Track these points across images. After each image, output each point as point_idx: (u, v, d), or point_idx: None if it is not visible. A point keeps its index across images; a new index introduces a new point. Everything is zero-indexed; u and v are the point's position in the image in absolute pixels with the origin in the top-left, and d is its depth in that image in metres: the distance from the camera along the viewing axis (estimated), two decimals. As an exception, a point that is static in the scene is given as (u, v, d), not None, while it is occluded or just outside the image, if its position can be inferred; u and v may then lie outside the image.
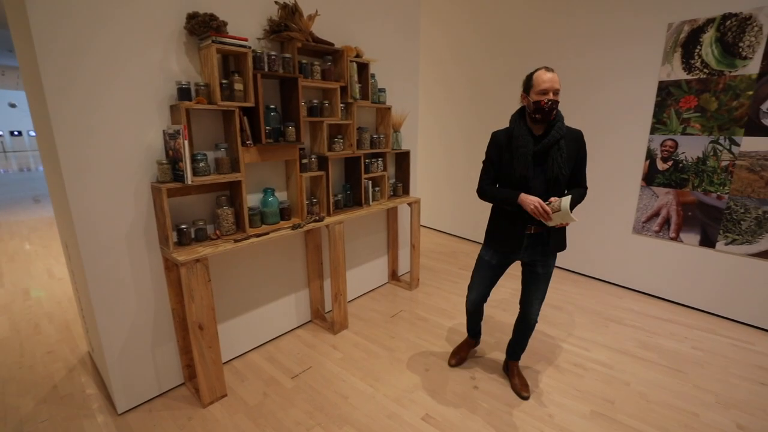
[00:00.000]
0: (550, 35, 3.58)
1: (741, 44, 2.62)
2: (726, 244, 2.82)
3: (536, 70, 1.68)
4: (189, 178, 1.77)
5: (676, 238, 3.06)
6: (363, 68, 2.67)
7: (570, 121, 3.54)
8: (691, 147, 2.90)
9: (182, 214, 1.99)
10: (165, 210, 1.76)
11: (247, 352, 2.48)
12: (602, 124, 3.35)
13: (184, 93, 1.82)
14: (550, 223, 1.68)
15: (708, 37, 2.74)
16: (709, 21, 2.72)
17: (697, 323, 2.84)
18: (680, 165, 2.97)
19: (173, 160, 1.81)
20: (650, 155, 3.11)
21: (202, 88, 1.87)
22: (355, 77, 2.60)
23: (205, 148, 2.01)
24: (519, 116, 1.78)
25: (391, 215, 3.39)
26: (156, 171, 1.84)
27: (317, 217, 2.43)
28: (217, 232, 2.05)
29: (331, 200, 2.59)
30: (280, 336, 2.66)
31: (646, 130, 3.11)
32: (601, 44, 3.26)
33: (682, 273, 3.07)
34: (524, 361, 2.39)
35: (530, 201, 1.68)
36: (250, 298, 2.43)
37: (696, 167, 2.90)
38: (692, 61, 2.82)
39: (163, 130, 1.85)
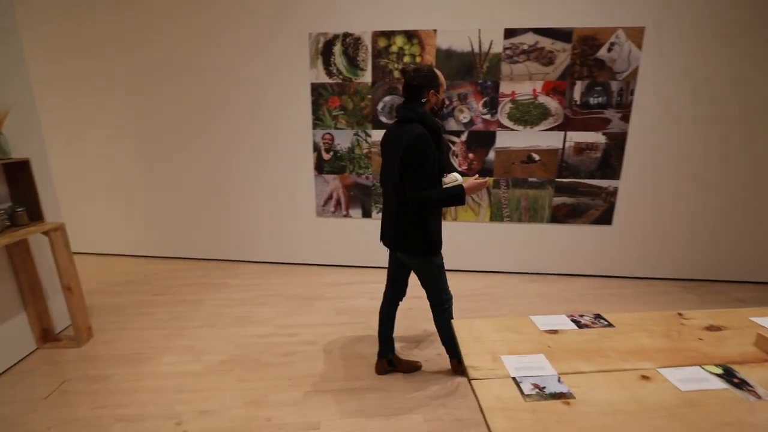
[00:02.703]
0: (208, 42, 3.40)
1: (358, 58, 3.35)
2: (378, 213, 3.67)
3: (433, 68, 1.82)
4: None
5: (347, 215, 3.71)
6: None
7: (242, 120, 3.56)
8: (343, 139, 3.53)
9: None
10: None
11: None
12: (275, 121, 3.55)
13: None
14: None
15: (337, 49, 3.34)
16: (336, 36, 3.32)
17: (372, 278, 3.59)
18: (338, 154, 3.57)
19: None
20: (317, 148, 3.58)
21: None
22: None
23: None
24: (426, 115, 1.80)
25: (17, 254, 2.33)
26: None
27: None
28: None
29: None
30: None
31: (309, 126, 3.53)
32: (261, 50, 3.39)
33: (361, 241, 3.77)
34: (235, 373, 2.25)
35: (476, 185, 1.82)
36: None
37: (349, 155, 3.56)
38: (330, 68, 3.39)
39: None
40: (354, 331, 2.72)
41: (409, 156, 1.74)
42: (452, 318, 2.10)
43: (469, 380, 1.11)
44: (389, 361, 2.26)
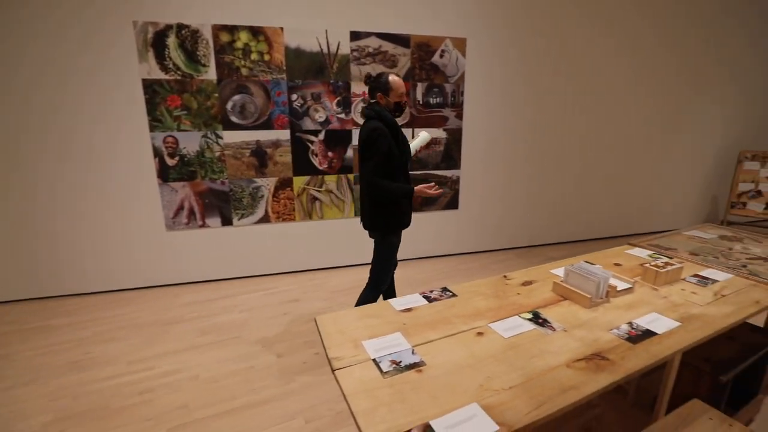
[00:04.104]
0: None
1: (198, 53, 3.06)
2: (239, 219, 3.44)
3: (389, 75, 2.08)
4: None
5: (204, 225, 3.38)
6: None
7: (62, 125, 2.89)
8: (189, 142, 3.19)
9: None
10: None
11: None
12: (102, 124, 2.98)
13: None
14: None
15: (172, 41, 2.99)
16: (169, 27, 2.96)
17: (240, 289, 3.36)
18: (186, 159, 3.21)
19: None
20: (158, 152, 3.15)
21: None
22: None
23: None
24: (383, 111, 2.06)
25: None
26: None
27: None
28: None
29: None
30: None
31: (145, 128, 3.08)
32: (80, 41, 2.79)
33: (224, 252, 3.47)
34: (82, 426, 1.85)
35: (425, 190, 2.09)
36: None
37: (198, 159, 3.24)
38: (166, 62, 3.01)
39: None
40: (224, 348, 2.51)
41: (365, 146, 2.04)
42: (375, 301, 2.21)
43: (333, 371, 1.14)
44: None
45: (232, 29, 3.08)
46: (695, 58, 4.53)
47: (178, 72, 3.04)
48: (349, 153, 3.54)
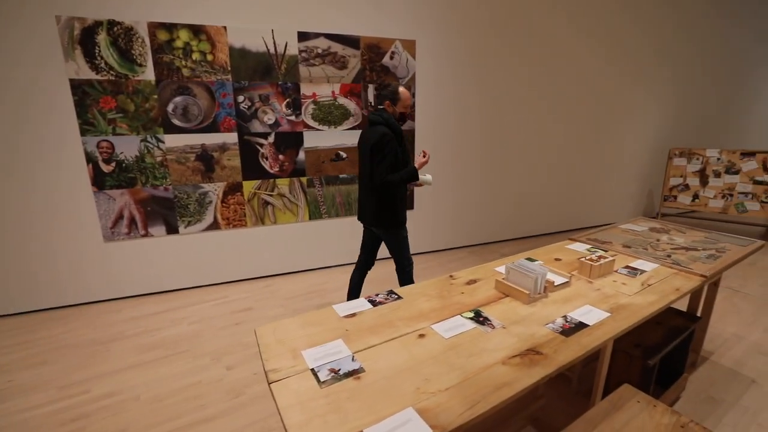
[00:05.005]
0: None
1: (134, 52, 2.88)
2: (186, 227, 3.28)
3: (399, 86, 2.32)
4: None
5: (147, 234, 3.18)
6: None
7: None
8: (127, 147, 2.99)
9: None
10: None
11: None
12: (21, 129, 2.72)
13: None
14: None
15: (103, 39, 2.79)
16: (98, 23, 2.76)
17: (189, 301, 3.20)
18: (123, 165, 3.01)
19: None
20: (91, 158, 2.93)
21: None
22: None
23: None
24: (391, 119, 2.29)
25: None
26: None
27: None
28: None
29: None
30: None
31: (76, 132, 2.86)
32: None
33: (170, 262, 3.29)
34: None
35: (422, 162, 2.35)
36: None
37: (138, 165, 3.05)
38: (96, 61, 2.81)
39: None
40: (169, 364, 2.37)
41: (374, 151, 2.22)
42: (413, 280, 2.57)
43: (269, 384, 1.10)
44: None
45: (171, 27, 2.92)
46: (634, 60, 4.86)
47: (112, 72, 2.85)
48: (301, 156, 3.47)
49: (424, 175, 2.43)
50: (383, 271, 3.75)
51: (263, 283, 3.52)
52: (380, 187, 2.26)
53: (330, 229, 3.74)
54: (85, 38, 2.75)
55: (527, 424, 1.91)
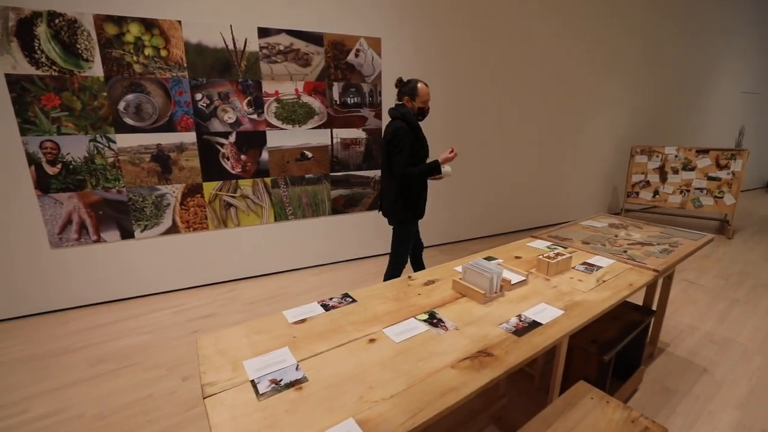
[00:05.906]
0: None
1: (79, 46, 2.70)
2: (142, 231, 3.12)
3: (418, 83, 2.37)
4: None
5: (99, 239, 3.01)
6: None
7: None
8: (74, 147, 2.81)
9: None
10: None
11: None
12: (-53, 125, 2.51)
13: None
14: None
15: (43, 31, 2.61)
16: (37, 14, 2.58)
17: (144, 309, 3.04)
18: (71, 167, 2.83)
19: None
20: (34, 160, 2.74)
21: None
22: None
23: None
24: (408, 113, 2.35)
25: None
26: None
27: None
28: None
29: None
30: None
31: (14, 132, 2.66)
32: None
33: (125, 268, 3.11)
34: None
35: (448, 157, 2.36)
36: None
37: (87, 167, 2.87)
38: (36, 56, 2.62)
39: None
40: (119, 378, 2.24)
41: (391, 145, 2.33)
42: (399, 276, 2.55)
43: (204, 399, 1.03)
44: None
45: (120, 21, 2.77)
46: (598, 62, 4.99)
47: (54, 67, 2.67)
48: (264, 156, 3.36)
49: (444, 167, 2.42)
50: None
51: (226, 288, 3.39)
52: (400, 179, 2.35)
53: (296, 231, 3.65)
54: (22, 30, 2.56)
55: (489, 424, 1.89)
